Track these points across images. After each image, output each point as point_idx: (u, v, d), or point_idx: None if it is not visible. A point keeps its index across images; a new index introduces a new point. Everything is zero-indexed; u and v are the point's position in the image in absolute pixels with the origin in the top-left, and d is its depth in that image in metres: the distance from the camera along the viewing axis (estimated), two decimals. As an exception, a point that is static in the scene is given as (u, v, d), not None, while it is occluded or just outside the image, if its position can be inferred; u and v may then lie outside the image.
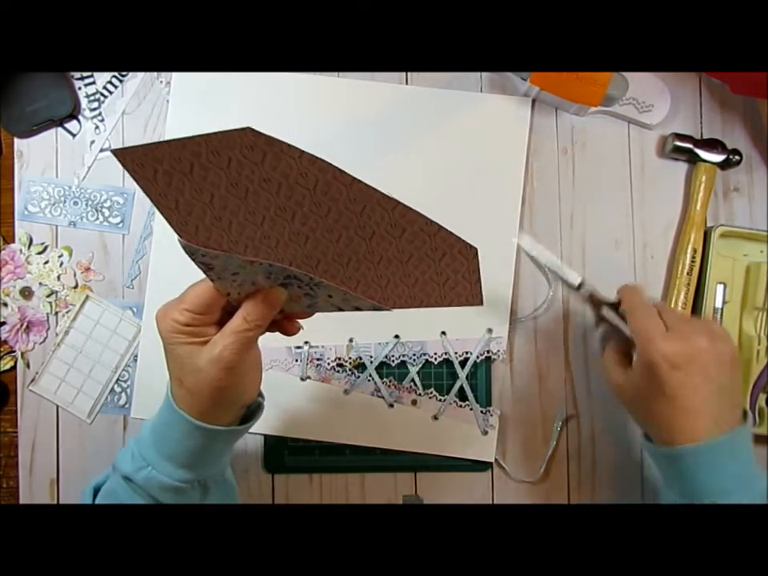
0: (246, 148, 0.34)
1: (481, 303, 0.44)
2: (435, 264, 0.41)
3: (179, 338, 0.45)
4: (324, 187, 0.36)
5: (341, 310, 0.46)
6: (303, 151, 0.35)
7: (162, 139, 0.68)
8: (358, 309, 0.46)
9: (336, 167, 0.35)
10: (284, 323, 0.48)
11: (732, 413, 0.49)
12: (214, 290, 0.43)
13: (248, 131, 0.33)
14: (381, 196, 0.37)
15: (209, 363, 0.44)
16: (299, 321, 0.49)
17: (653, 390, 0.49)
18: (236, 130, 0.33)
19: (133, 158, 0.35)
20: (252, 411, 0.51)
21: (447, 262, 0.41)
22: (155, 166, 0.35)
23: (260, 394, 0.51)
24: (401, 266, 0.41)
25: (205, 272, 0.42)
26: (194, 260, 0.41)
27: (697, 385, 0.48)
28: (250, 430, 0.51)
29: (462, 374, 0.67)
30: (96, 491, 0.52)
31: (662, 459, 0.51)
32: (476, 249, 0.40)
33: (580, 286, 0.60)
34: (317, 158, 0.35)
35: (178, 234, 0.39)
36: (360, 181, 0.36)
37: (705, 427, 0.47)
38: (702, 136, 0.70)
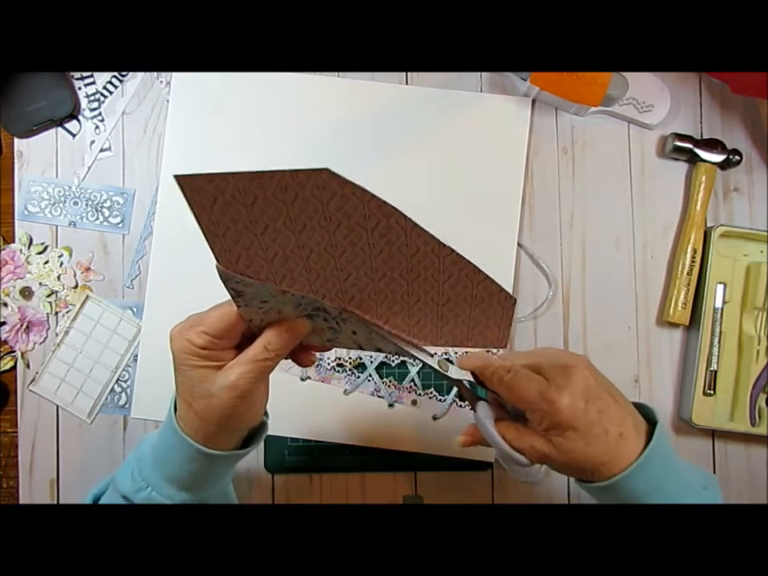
0: (317, 188, 0.33)
1: (505, 346, 0.43)
2: (471, 309, 0.41)
3: (193, 360, 0.43)
4: (383, 230, 0.36)
5: (361, 348, 0.46)
6: (373, 195, 0.34)
7: (162, 140, 0.68)
8: (379, 350, 0.46)
9: (401, 212, 0.35)
10: (300, 353, 0.46)
11: (633, 411, 0.46)
12: (236, 315, 0.42)
13: (325, 172, 0.32)
14: (436, 243, 0.36)
15: (222, 390, 0.43)
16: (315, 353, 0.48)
17: (581, 440, 0.43)
18: (313, 169, 0.32)
19: (193, 185, 0.34)
20: (254, 431, 0.49)
21: (483, 308, 0.41)
22: (215, 195, 0.34)
23: (264, 412, 0.50)
24: (436, 308, 0.41)
25: (234, 297, 0.41)
26: (226, 286, 0.40)
27: (607, 406, 0.44)
28: None
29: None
30: (95, 501, 0.52)
31: (610, 491, 0.44)
32: (515, 298, 0.40)
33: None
34: (384, 202, 0.34)
35: (216, 259, 0.38)
36: (420, 227, 0.35)
37: (635, 441, 0.44)
38: (702, 136, 0.70)
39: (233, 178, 0.33)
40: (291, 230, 0.36)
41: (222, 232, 0.36)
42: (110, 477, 0.52)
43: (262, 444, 0.67)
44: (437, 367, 0.44)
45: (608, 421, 0.43)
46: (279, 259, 0.38)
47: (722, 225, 0.67)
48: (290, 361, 0.47)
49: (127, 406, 0.68)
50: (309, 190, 0.33)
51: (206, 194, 0.34)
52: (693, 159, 0.68)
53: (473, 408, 0.47)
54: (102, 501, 0.51)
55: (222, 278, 0.39)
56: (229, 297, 0.41)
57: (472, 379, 0.46)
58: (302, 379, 0.68)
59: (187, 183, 0.33)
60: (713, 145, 0.68)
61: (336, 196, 0.34)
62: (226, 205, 0.34)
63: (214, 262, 0.38)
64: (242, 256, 0.38)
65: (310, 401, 0.67)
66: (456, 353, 0.66)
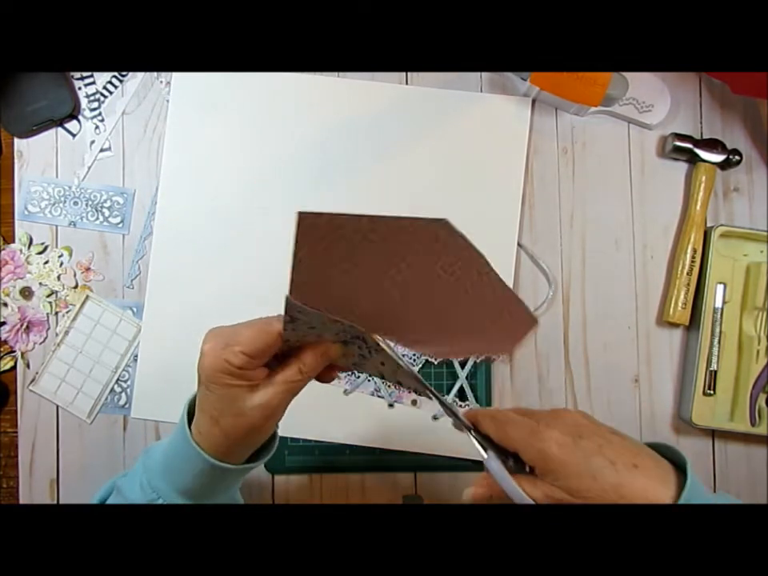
0: (432, 240, 0.34)
1: (510, 356, 0.44)
2: (494, 329, 0.41)
3: (227, 380, 0.42)
4: (460, 280, 0.37)
5: (383, 377, 0.47)
6: (474, 248, 0.35)
7: (162, 140, 0.68)
8: (399, 384, 0.47)
9: (484, 260, 0.36)
10: (323, 371, 0.47)
11: (650, 452, 0.43)
12: (274, 335, 0.42)
13: (444, 222, 0.33)
14: (487, 265, 0.36)
15: (256, 409, 0.43)
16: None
17: (582, 476, 0.41)
18: (434, 220, 0.33)
19: (314, 222, 0.34)
20: (265, 443, 0.50)
21: (503, 325, 0.41)
22: (327, 233, 0.34)
23: None
24: (465, 333, 0.42)
25: (286, 322, 0.41)
26: (286, 312, 0.40)
27: (609, 441, 0.42)
28: None
29: (462, 373, 0.67)
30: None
31: None
32: (537, 322, 0.40)
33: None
34: (479, 254, 0.35)
35: (291, 290, 0.38)
36: (497, 276, 0.36)
37: (657, 474, 0.41)
38: (702, 136, 0.70)
39: (353, 220, 0.33)
40: (376, 270, 0.36)
41: (312, 268, 0.36)
42: (111, 481, 0.52)
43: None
44: (453, 409, 0.44)
45: (612, 453, 0.41)
46: (352, 298, 0.39)
47: (722, 225, 0.67)
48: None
49: (127, 406, 0.68)
50: (425, 241, 0.34)
51: (319, 228, 0.34)
52: (693, 159, 0.68)
53: (485, 452, 0.45)
54: (108, 503, 0.51)
55: (286, 305, 0.39)
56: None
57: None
58: (302, 379, 0.68)
59: (308, 219, 0.34)
60: (713, 145, 0.68)
61: (450, 250, 0.34)
62: (334, 243, 0.35)
63: (286, 292, 0.38)
64: (317, 291, 0.38)
65: (310, 401, 0.67)
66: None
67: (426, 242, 0.34)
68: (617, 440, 0.42)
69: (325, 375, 0.48)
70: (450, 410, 0.44)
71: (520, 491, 0.43)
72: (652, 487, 0.40)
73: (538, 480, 0.43)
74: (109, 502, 0.51)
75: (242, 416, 0.43)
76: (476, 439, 0.45)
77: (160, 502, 0.47)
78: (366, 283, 0.37)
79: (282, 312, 0.40)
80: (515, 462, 0.45)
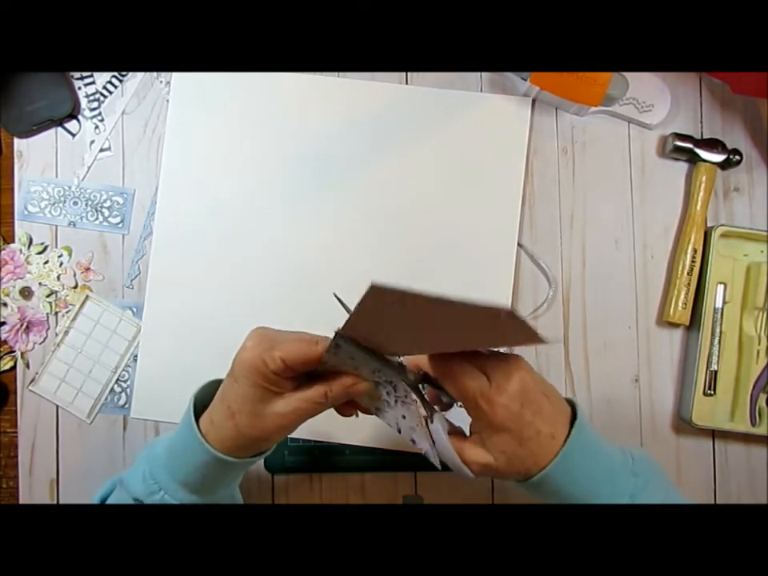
0: (494, 319, 0.35)
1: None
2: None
3: (258, 379, 0.44)
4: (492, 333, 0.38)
5: (399, 431, 0.48)
6: (537, 334, 0.36)
7: (162, 140, 0.68)
8: (413, 441, 0.48)
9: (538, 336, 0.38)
10: (345, 404, 0.48)
11: (564, 410, 0.46)
12: (316, 354, 0.43)
13: (504, 311, 0.34)
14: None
15: (273, 416, 0.44)
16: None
17: (514, 441, 0.44)
18: (495, 307, 0.33)
19: (383, 293, 0.34)
20: None
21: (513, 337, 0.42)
22: (391, 301, 0.35)
23: None
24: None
25: (331, 348, 0.42)
26: (333, 340, 0.41)
27: (541, 407, 0.44)
28: None
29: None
30: (102, 503, 0.52)
31: (538, 488, 0.46)
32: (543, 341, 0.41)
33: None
34: (524, 322, 0.36)
35: (344, 326, 0.40)
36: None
37: (562, 435, 0.45)
38: (702, 136, 0.70)
39: (418, 297, 0.34)
40: (437, 332, 0.38)
41: (370, 318, 0.38)
42: (117, 476, 0.52)
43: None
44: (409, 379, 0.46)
45: (541, 422, 0.44)
46: (397, 343, 0.40)
47: (722, 225, 0.67)
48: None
49: (127, 406, 0.68)
50: (486, 321, 0.35)
51: (386, 297, 0.35)
52: (693, 159, 0.68)
53: (430, 418, 0.48)
54: (110, 501, 0.51)
55: (335, 338, 0.41)
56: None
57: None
58: (302, 379, 0.68)
59: (379, 291, 0.34)
60: (713, 145, 0.68)
61: (505, 327, 0.36)
62: (394, 309, 0.36)
63: (338, 326, 0.40)
64: (368, 332, 0.39)
65: (309, 401, 0.67)
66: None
67: (485, 322, 0.35)
68: (546, 405, 0.45)
69: (345, 409, 0.49)
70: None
71: (455, 456, 0.46)
72: (555, 453, 0.44)
73: (469, 444, 0.46)
74: (113, 495, 0.51)
75: (258, 417, 0.44)
76: (426, 406, 0.47)
77: (161, 493, 0.47)
78: (413, 329, 0.39)
79: (327, 334, 0.41)
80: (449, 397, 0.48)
